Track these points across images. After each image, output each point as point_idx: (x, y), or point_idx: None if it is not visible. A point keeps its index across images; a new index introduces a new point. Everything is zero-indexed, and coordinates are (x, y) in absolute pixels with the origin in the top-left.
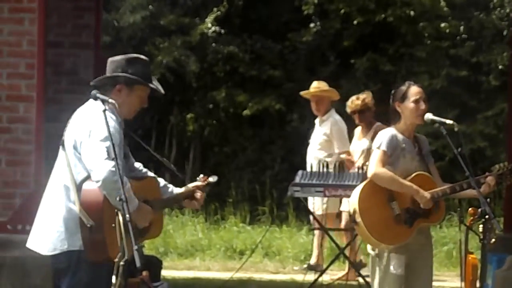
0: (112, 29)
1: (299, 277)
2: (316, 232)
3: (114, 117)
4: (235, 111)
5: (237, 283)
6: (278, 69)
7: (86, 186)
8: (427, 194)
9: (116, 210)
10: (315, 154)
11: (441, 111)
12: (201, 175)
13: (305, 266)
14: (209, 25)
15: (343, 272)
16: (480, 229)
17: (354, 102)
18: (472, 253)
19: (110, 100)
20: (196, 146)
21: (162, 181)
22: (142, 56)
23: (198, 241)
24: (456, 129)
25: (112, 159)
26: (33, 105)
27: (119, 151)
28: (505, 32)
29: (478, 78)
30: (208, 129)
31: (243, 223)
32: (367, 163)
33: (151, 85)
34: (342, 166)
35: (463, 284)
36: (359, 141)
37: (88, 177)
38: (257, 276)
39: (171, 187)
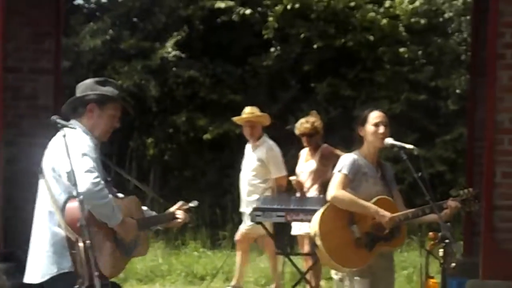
0: (72, 53)
1: None
2: (237, 252)
3: (88, 137)
4: (196, 135)
5: None
6: (239, 93)
7: (69, 204)
8: (387, 213)
9: (76, 237)
10: (250, 180)
11: (401, 136)
12: (181, 201)
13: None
14: (170, 49)
15: None
16: (441, 254)
17: (303, 125)
18: (432, 277)
19: (70, 126)
20: (156, 170)
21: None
22: (110, 79)
23: (158, 266)
24: (416, 153)
25: (93, 171)
26: None
27: (98, 169)
28: (463, 57)
29: (437, 103)
30: (168, 153)
31: (203, 247)
32: (315, 185)
33: (122, 102)
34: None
35: None
36: (306, 163)
37: (70, 197)
38: None
39: (148, 209)
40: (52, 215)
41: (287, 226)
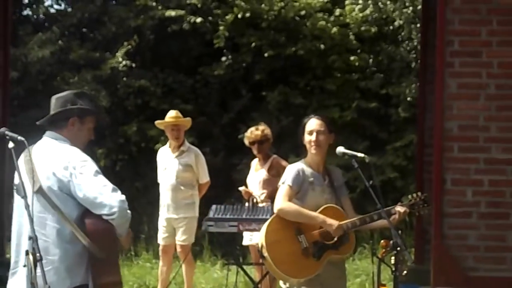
0: (20, 64)
1: None
2: (160, 262)
3: (80, 151)
4: (147, 145)
5: None
6: (190, 103)
7: (89, 221)
8: (334, 222)
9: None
10: (175, 185)
11: (352, 143)
12: None
13: None
14: (120, 59)
15: None
16: (392, 261)
17: (253, 132)
18: (384, 285)
19: (19, 138)
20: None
21: None
22: (86, 91)
23: None
24: (367, 161)
25: (117, 190)
26: None
27: None
28: (413, 65)
29: (387, 110)
30: (119, 164)
31: (156, 259)
32: (264, 193)
33: (100, 116)
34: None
35: None
36: (256, 172)
37: (84, 213)
38: None
39: None
40: (61, 232)
41: (238, 236)
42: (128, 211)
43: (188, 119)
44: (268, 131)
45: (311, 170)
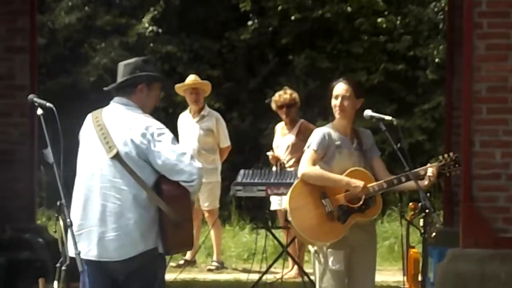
0: (47, 31)
1: (243, 276)
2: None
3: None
4: (174, 111)
5: (181, 285)
6: (217, 68)
7: (166, 187)
8: (359, 182)
9: (56, 215)
10: (197, 150)
11: (380, 106)
12: None
13: (181, 262)
14: (146, 25)
15: (287, 270)
16: (421, 223)
17: (282, 96)
18: (413, 247)
19: (47, 105)
20: None
21: None
22: (151, 59)
23: None
24: (395, 123)
25: (194, 158)
26: None
27: None
28: (441, 26)
29: (415, 73)
30: None
31: None
32: (292, 158)
33: (165, 82)
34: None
35: (405, 278)
36: (283, 138)
37: (161, 179)
38: (200, 276)
39: None
40: (137, 197)
41: (266, 200)
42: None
43: (207, 82)
44: (296, 95)
45: (338, 134)
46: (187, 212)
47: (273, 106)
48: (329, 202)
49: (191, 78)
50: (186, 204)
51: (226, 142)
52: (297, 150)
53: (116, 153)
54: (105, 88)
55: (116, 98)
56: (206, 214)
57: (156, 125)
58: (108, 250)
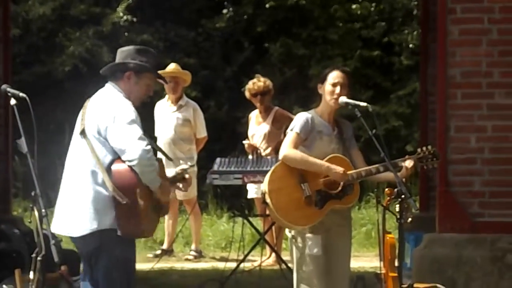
0: (22, 21)
1: (220, 265)
2: (166, 216)
3: (130, 103)
4: (151, 100)
5: (159, 274)
6: (193, 57)
7: (116, 167)
8: (339, 169)
9: (31, 205)
10: (174, 140)
11: (356, 93)
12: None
13: (159, 252)
14: (121, 14)
15: (264, 258)
16: (397, 209)
17: (256, 84)
18: (390, 232)
19: (21, 95)
20: None
21: None
22: (151, 49)
23: None
24: (370, 110)
25: (144, 139)
26: None
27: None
28: (415, 12)
29: (390, 59)
30: None
31: None
32: (269, 147)
33: (156, 74)
34: (258, 152)
35: (382, 263)
36: (258, 126)
37: (115, 159)
38: (178, 265)
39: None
40: (95, 175)
41: (243, 188)
42: (152, 162)
43: (186, 72)
44: (269, 82)
45: (321, 120)
46: (136, 196)
47: (247, 94)
48: (307, 186)
49: (172, 67)
50: (134, 186)
51: (203, 133)
52: (273, 138)
53: (83, 130)
54: (100, 71)
55: (108, 82)
56: (185, 203)
57: (121, 106)
58: (67, 225)
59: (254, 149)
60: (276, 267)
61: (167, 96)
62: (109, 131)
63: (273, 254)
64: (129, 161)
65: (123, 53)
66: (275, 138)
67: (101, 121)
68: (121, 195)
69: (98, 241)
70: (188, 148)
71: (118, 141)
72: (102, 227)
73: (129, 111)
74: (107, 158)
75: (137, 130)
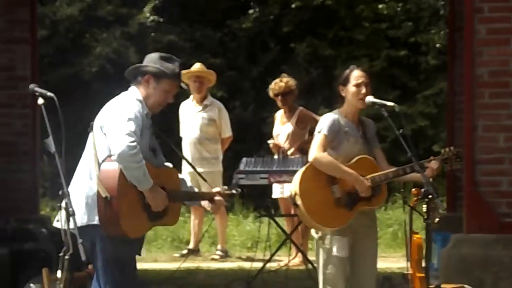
0: (49, 22)
1: (246, 264)
2: (192, 216)
3: (141, 104)
4: (176, 101)
5: (185, 273)
6: (219, 57)
7: (105, 163)
8: (366, 182)
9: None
10: (199, 140)
11: (382, 93)
12: (226, 186)
13: (185, 251)
14: (147, 14)
15: (291, 258)
16: (424, 209)
17: (277, 84)
18: (417, 233)
19: (48, 94)
20: None
21: (179, 175)
22: (176, 57)
23: None
24: (397, 110)
25: (132, 136)
26: None
27: (143, 136)
28: (442, 11)
29: (417, 59)
30: None
31: (188, 213)
32: (293, 147)
33: (176, 82)
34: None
35: (409, 264)
36: (283, 126)
37: (108, 156)
38: (204, 265)
39: (188, 182)
40: (91, 169)
41: (268, 188)
42: (135, 159)
43: (211, 71)
44: (292, 82)
45: (346, 120)
46: (113, 191)
47: (270, 94)
48: (337, 188)
49: (197, 66)
50: (115, 182)
51: (227, 132)
52: (296, 138)
53: (91, 125)
54: (125, 73)
55: (130, 86)
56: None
57: (124, 105)
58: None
59: (279, 148)
60: (302, 267)
61: (192, 96)
62: (106, 126)
63: (299, 254)
64: (114, 155)
65: (147, 58)
66: (298, 138)
67: (105, 117)
68: (103, 189)
69: (90, 237)
70: (214, 148)
71: (108, 136)
72: (90, 221)
73: (130, 109)
74: (103, 154)
75: (129, 127)
